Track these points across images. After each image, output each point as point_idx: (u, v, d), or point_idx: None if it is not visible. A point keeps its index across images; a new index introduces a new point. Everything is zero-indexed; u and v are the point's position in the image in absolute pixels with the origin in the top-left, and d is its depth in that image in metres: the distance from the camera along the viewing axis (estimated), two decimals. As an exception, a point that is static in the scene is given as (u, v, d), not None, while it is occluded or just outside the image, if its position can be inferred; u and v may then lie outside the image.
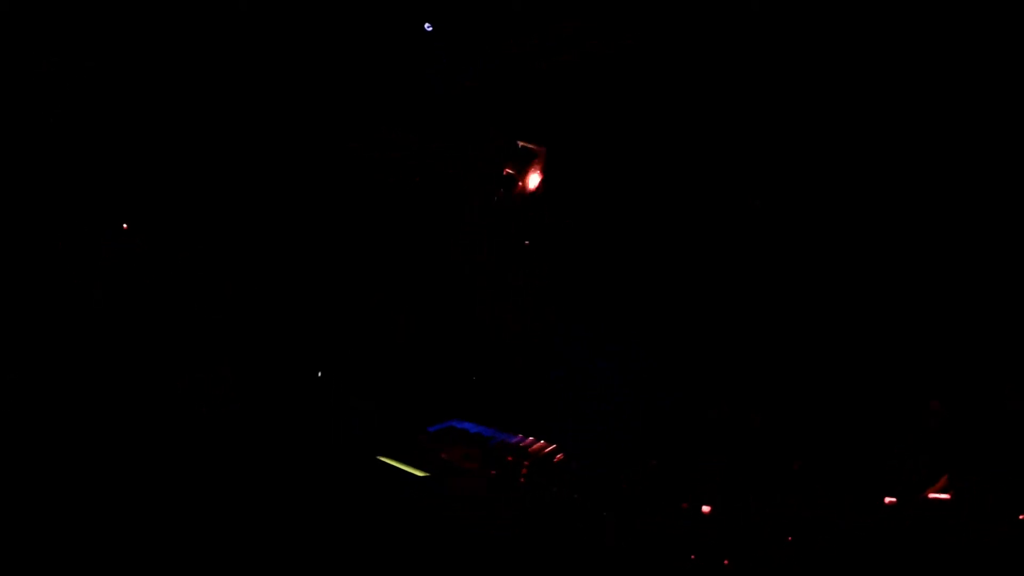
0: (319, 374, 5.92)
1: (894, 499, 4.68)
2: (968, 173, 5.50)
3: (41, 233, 5.86)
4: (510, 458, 5.32)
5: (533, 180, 6.68)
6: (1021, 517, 4.35)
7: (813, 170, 5.93)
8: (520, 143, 6.74)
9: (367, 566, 4.51)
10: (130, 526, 4.58)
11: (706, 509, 4.96)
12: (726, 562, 4.56)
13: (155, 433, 5.23)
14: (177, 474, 4.89)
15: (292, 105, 6.40)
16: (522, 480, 5.20)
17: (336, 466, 5.14)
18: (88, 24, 6.11)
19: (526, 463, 5.29)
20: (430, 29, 6.68)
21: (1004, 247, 5.39)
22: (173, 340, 5.74)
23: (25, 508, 4.72)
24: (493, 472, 5.20)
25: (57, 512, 4.76)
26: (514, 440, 5.57)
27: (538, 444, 5.57)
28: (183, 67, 6.18)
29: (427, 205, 6.69)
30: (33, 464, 5.00)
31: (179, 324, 5.80)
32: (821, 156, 5.89)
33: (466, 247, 6.69)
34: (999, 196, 5.43)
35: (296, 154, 6.41)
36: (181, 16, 6.17)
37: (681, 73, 6.17)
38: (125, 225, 6.07)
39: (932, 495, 4.68)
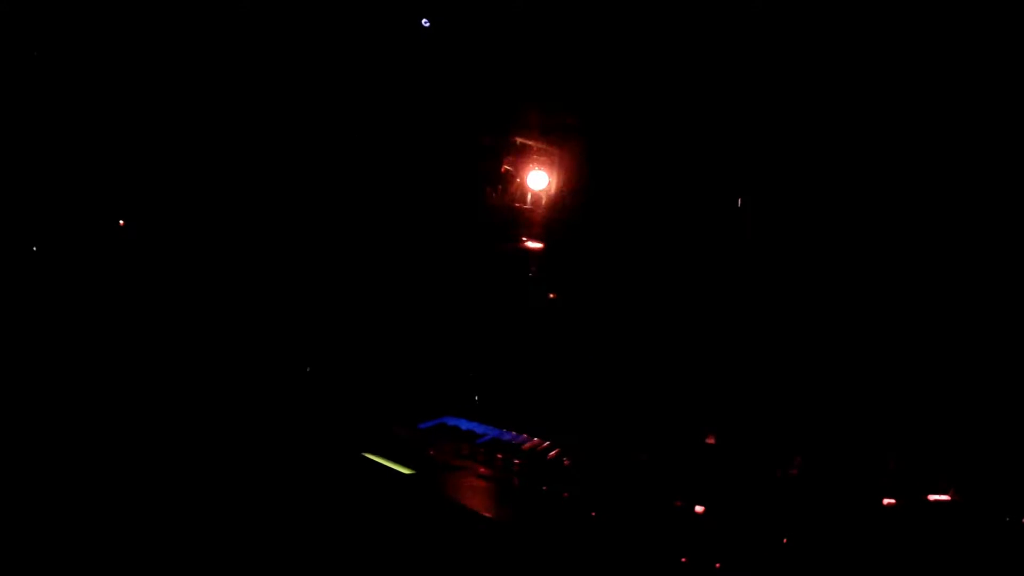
0: (307, 369, 5.77)
1: (892, 501, 4.45)
2: (967, 173, 5.29)
3: (36, 232, 5.77)
4: (500, 455, 5.13)
5: (535, 178, 6.54)
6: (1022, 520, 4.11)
7: (802, 178, 5.75)
8: (519, 139, 6.60)
9: (348, 565, 4.34)
10: (108, 521, 4.43)
11: (699, 509, 4.76)
12: (717, 565, 4.34)
13: (139, 429, 5.09)
14: (156, 471, 4.74)
15: (286, 103, 6.27)
16: (513, 478, 5.01)
17: (320, 462, 4.96)
18: (87, 23, 6.02)
19: (517, 461, 5.10)
20: (427, 25, 6.54)
21: (1005, 246, 5.19)
22: (164, 336, 5.62)
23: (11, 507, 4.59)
24: (483, 470, 5.01)
25: (51, 509, 4.63)
26: (507, 437, 5.38)
27: (532, 442, 5.38)
28: (177, 65, 6.07)
29: (421, 201, 6.53)
30: (25, 462, 4.88)
31: (170, 320, 5.67)
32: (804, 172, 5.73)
33: (460, 243, 6.53)
34: (997, 197, 5.22)
35: (290, 151, 6.27)
36: (177, 13, 6.07)
37: (680, 73, 5.98)
38: (121, 222, 5.97)
39: (932, 497, 4.44)
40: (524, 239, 6.58)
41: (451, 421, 5.54)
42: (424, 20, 6.51)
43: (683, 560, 4.41)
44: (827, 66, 5.54)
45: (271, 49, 6.12)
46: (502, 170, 6.56)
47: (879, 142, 5.43)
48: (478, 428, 5.47)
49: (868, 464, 4.87)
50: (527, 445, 5.31)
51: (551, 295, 6.42)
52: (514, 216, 6.57)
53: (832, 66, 5.54)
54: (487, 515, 4.73)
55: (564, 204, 6.52)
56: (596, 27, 6.16)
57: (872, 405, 5.23)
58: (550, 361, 6.10)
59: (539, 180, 6.55)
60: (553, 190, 6.54)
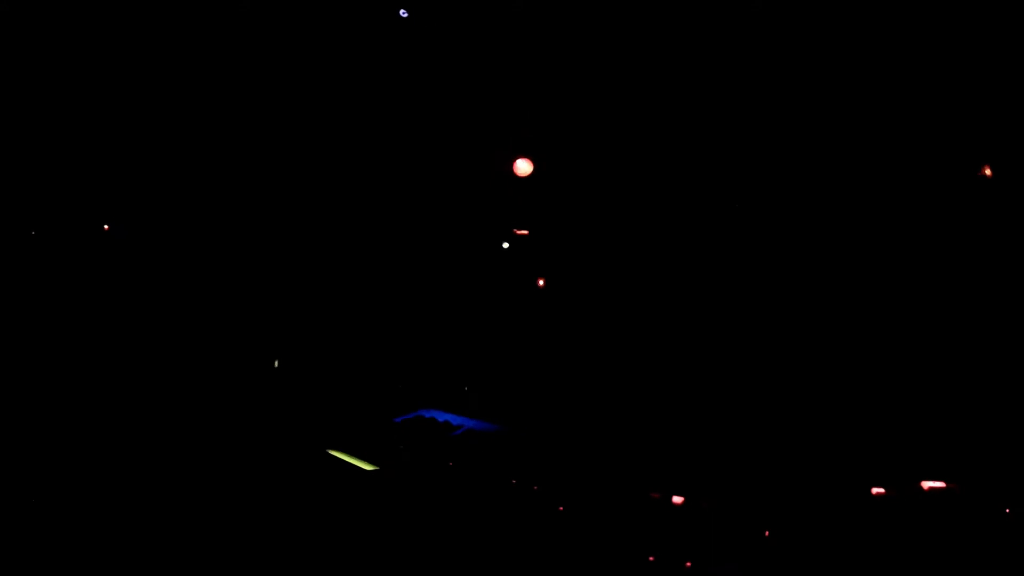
0: (275, 363, 5.43)
1: (882, 490, 3.90)
2: (963, 174, 4.99)
3: (29, 231, 5.62)
4: (471, 447, 4.74)
5: (520, 166, 6.20)
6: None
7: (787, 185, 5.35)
8: (505, 126, 6.25)
9: (302, 564, 4.00)
10: (80, 519, 4.18)
11: (678, 500, 4.30)
12: (688, 564, 3.87)
13: (99, 424, 4.84)
14: (113, 467, 4.46)
15: (279, 100, 6.01)
16: (483, 471, 4.61)
17: (284, 461, 4.61)
18: (86, 23, 5.87)
19: (488, 453, 4.71)
20: (405, 15, 6.21)
21: (1002, 245, 4.81)
22: (124, 325, 5.36)
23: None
24: (452, 463, 4.62)
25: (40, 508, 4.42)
26: (482, 428, 4.99)
27: (507, 433, 4.99)
28: (171, 64, 5.85)
29: (401, 186, 6.19)
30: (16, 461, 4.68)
31: (130, 308, 5.41)
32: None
33: (443, 230, 6.17)
34: (994, 197, 4.90)
35: (278, 148, 6.00)
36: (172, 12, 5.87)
37: (675, 71, 5.70)
38: (106, 226, 5.76)
39: (927, 485, 3.87)
40: (512, 227, 6.20)
41: (428, 413, 5.16)
42: (402, 11, 6.19)
43: (651, 559, 3.96)
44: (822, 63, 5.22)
45: (270, 54, 5.87)
46: (487, 157, 6.22)
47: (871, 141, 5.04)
48: (454, 420, 5.08)
49: (858, 454, 4.32)
50: (501, 437, 4.91)
51: (538, 283, 6.01)
52: (502, 203, 6.21)
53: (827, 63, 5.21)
54: (453, 509, 4.35)
55: (552, 192, 6.15)
56: (589, 19, 5.83)
57: (865, 399, 4.70)
58: (535, 351, 5.68)
59: (524, 168, 6.19)
60: (540, 178, 6.17)
